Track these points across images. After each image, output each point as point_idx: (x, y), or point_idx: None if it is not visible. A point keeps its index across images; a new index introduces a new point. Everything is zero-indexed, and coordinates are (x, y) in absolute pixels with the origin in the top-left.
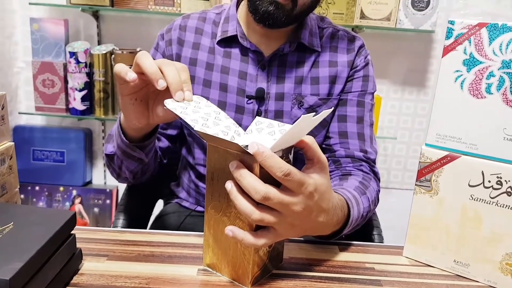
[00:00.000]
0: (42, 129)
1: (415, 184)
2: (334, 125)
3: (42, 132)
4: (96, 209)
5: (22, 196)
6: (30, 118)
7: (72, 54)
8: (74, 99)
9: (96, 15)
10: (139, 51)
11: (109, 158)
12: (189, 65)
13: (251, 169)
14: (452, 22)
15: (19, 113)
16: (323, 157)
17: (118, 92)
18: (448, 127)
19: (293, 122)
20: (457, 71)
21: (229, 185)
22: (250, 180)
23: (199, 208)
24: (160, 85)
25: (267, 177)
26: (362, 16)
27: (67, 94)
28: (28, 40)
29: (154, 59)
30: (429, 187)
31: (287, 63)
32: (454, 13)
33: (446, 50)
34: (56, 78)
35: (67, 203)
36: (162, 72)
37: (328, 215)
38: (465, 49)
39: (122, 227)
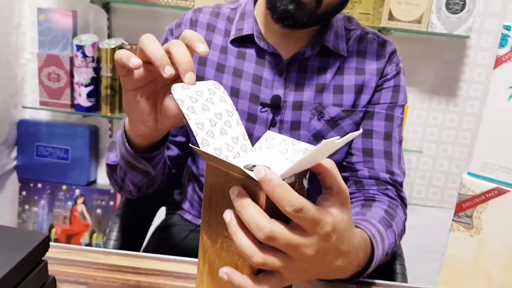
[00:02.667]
0: (47, 125)
1: (453, 220)
2: (358, 140)
3: (47, 128)
4: (99, 211)
5: (24, 193)
6: (36, 113)
7: (79, 47)
8: (80, 94)
9: (106, 7)
10: None
11: (111, 169)
12: (197, 65)
13: (255, 198)
14: (508, 27)
15: (23, 107)
16: (344, 186)
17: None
18: (497, 155)
19: (311, 135)
20: None
21: (228, 216)
22: (252, 213)
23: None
24: (167, 72)
25: (275, 208)
26: (391, 17)
27: (72, 90)
28: (35, 31)
29: None
30: (470, 224)
31: (307, 68)
32: None
33: (499, 61)
34: (62, 72)
35: (69, 203)
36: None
37: (347, 258)
38: None
39: (115, 240)
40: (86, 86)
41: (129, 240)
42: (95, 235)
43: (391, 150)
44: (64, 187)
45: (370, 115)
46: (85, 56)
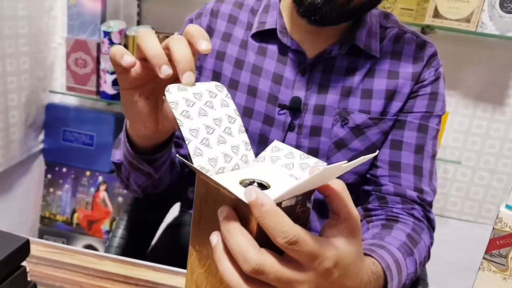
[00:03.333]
0: (75, 110)
1: (483, 257)
2: (385, 151)
3: (74, 113)
4: (120, 199)
5: (49, 176)
6: (64, 97)
7: (106, 33)
8: (105, 82)
9: None
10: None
11: (117, 167)
12: (215, 59)
13: (246, 222)
14: None
15: (50, 91)
16: (354, 213)
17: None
18: None
19: (333, 143)
20: None
21: (215, 239)
22: (239, 241)
23: None
24: (164, 72)
25: (268, 235)
26: (436, 14)
27: (98, 76)
28: (66, 16)
29: None
30: (504, 265)
31: (334, 68)
32: None
33: None
34: (88, 58)
35: (92, 189)
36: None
37: None
38: None
39: (120, 238)
40: (112, 73)
41: (137, 237)
42: (115, 222)
43: (422, 165)
44: (88, 173)
45: (401, 125)
46: (112, 42)
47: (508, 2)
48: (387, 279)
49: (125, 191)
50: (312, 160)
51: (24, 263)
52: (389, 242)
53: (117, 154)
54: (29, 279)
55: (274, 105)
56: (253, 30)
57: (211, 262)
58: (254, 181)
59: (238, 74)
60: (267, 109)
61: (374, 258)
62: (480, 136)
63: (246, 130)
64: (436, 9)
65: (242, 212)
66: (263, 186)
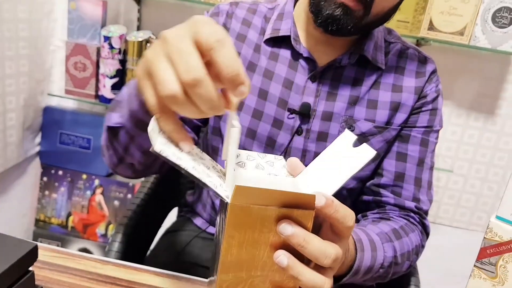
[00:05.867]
0: (72, 113)
1: (474, 265)
2: (391, 162)
3: (72, 116)
4: (116, 202)
5: (45, 179)
6: (62, 101)
7: (107, 38)
8: (104, 86)
9: None
10: None
11: (113, 133)
12: None
13: (302, 227)
14: None
15: (48, 94)
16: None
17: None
18: None
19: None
20: None
21: (285, 259)
22: (316, 243)
23: (210, 229)
24: (241, 92)
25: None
26: (431, 27)
27: (97, 80)
28: (66, 19)
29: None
30: (493, 273)
31: (342, 77)
32: None
33: None
34: (88, 62)
35: (88, 192)
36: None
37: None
38: None
39: (120, 242)
40: (111, 78)
41: (136, 242)
42: (111, 226)
43: (421, 177)
44: (84, 176)
45: (406, 139)
46: (111, 47)
47: (499, 17)
48: (357, 250)
49: (121, 194)
50: (270, 156)
51: (31, 268)
52: (370, 228)
53: (115, 117)
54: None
55: (284, 109)
56: (267, 36)
57: (253, 280)
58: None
59: (250, 77)
60: (277, 113)
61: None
62: (472, 145)
63: (255, 132)
64: (431, 22)
65: (298, 223)
66: None
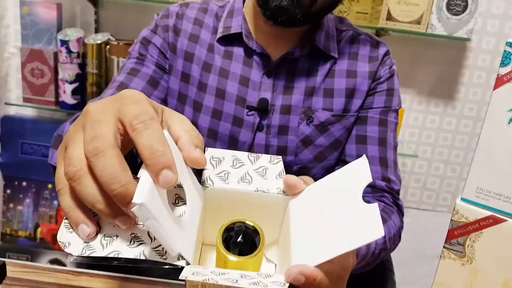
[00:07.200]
0: (32, 121)
1: (444, 247)
2: (351, 147)
3: (32, 124)
4: None
5: (8, 191)
6: (21, 109)
7: (64, 42)
8: (64, 91)
9: (94, 0)
10: None
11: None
12: (184, 60)
13: None
14: (511, 44)
15: (5, 103)
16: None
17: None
18: (494, 181)
19: (300, 140)
20: None
21: None
22: None
23: None
24: (165, 177)
25: None
26: (389, 17)
27: (57, 86)
28: (19, 24)
29: (150, 42)
30: (462, 252)
31: (297, 70)
32: None
33: (501, 81)
34: (45, 68)
35: (55, 202)
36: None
37: None
38: None
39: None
40: (71, 83)
41: None
42: None
43: (386, 157)
44: (49, 185)
45: (363, 120)
46: (69, 51)
47: (453, 5)
48: None
49: None
50: (266, 157)
51: (0, 287)
52: None
53: (56, 156)
54: None
55: (243, 107)
56: (219, 34)
57: None
58: (244, 225)
59: (206, 77)
60: (236, 111)
61: None
62: (434, 130)
63: (216, 132)
64: (389, 12)
65: None
66: (254, 231)
